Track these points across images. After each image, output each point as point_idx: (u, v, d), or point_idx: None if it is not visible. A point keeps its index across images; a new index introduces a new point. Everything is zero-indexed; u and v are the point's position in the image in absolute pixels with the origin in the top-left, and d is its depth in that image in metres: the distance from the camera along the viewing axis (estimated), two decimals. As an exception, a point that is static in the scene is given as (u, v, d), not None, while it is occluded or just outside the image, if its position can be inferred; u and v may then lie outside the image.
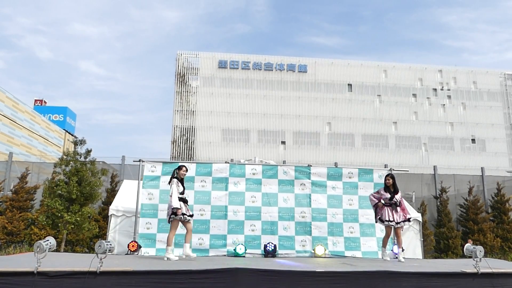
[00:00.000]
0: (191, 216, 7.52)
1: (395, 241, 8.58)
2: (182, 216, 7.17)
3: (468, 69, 50.65)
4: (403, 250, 8.84)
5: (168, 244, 7.16)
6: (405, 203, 8.42)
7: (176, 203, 7.13)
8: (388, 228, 8.08)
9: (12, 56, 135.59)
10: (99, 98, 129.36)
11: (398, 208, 7.96)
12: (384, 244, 8.19)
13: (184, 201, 7.41)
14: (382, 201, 8.05)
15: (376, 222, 8.41)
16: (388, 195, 8.04)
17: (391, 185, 8.13)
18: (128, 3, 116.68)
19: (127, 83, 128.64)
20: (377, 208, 8.18)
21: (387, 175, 8.41)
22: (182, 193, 7.41)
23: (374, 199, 8.26)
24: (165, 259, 6.97)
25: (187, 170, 7.75)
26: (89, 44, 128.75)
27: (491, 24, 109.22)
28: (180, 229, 9.11)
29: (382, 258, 8.13)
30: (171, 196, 7.20)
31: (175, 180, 7.37)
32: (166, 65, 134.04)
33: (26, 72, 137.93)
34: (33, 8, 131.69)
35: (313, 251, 9.23)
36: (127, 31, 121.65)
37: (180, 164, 7.94)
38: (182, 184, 7.49)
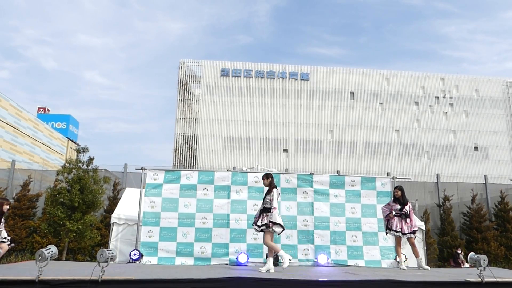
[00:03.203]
0: (261, 226, 6.68)
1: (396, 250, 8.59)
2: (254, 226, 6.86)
3: (470, 77, 50.69)
4: (406, 258, 8.83)
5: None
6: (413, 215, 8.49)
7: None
8: (397, 237, 8.22)
9: (18, 66, 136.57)
10: (103, 107, 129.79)
11: (408, 219, 8.16)
12: (398, 254, 8.29)
13: (262, 210, 6.81)
14: (393, 212, 8.22)
15: (386, 233, 8.48)
16: (398, 206, 8.24)
17: (400, 197, 8.31)
18: (133, 15, 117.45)
19: (130, 92, 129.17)
20: (388, 219, 8.32)
21: (395, 187, 8.56)
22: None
23: (386, 210, 8.41)
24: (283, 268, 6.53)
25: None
26: (94, 55, 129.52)
27: (489, 35, 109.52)
28: (182, 238, 9.19)
29: (400, 267, 8.08)
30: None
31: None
32: (169, 74, 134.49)
33: (31, 82, 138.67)
34: (39, 19, 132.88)
35: (315, 260, 9.18)
36: (131, 41, 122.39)
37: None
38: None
